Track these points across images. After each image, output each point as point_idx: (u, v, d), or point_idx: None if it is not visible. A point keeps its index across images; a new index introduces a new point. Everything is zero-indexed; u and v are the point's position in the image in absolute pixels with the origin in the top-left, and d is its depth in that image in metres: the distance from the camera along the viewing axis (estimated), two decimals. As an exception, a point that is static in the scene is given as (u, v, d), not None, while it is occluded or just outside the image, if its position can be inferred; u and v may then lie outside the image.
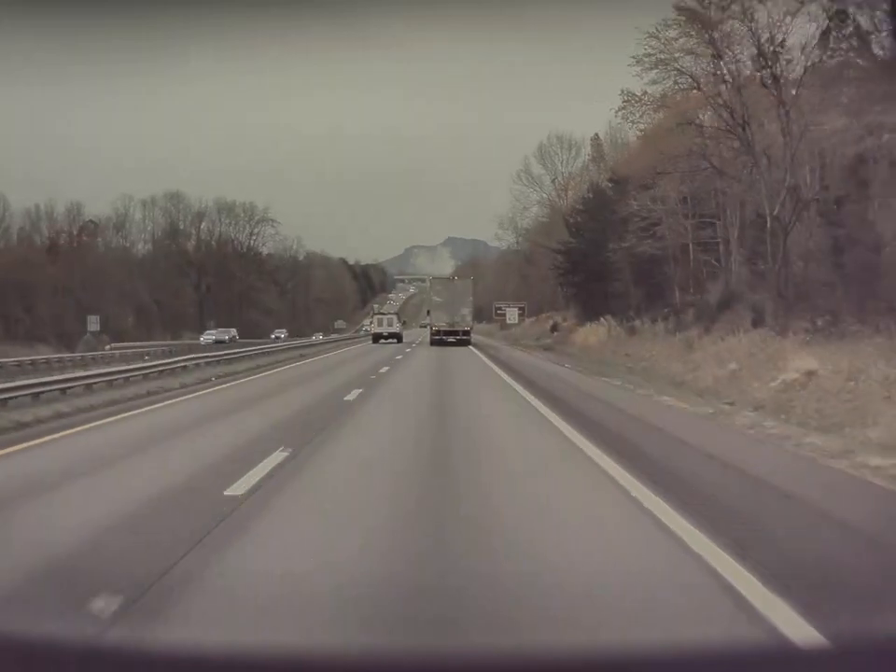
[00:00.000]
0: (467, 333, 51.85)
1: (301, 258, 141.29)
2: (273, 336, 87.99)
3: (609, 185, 46.19)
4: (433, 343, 51.57)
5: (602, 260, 44.85)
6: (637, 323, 36.97)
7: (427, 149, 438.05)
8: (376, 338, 63.14)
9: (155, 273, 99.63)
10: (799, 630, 4.11)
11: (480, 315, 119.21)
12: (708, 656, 2.46)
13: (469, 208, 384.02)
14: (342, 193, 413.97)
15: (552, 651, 3.40)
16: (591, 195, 49.10)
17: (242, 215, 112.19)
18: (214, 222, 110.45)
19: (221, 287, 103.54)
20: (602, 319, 40.32)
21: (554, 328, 52.24)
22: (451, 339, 50.95)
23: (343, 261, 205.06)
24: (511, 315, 62.55)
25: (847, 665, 2.35)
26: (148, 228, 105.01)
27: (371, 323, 73.17)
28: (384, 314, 76.31)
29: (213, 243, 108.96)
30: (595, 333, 40.07)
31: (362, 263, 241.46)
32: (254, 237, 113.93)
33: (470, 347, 45.87)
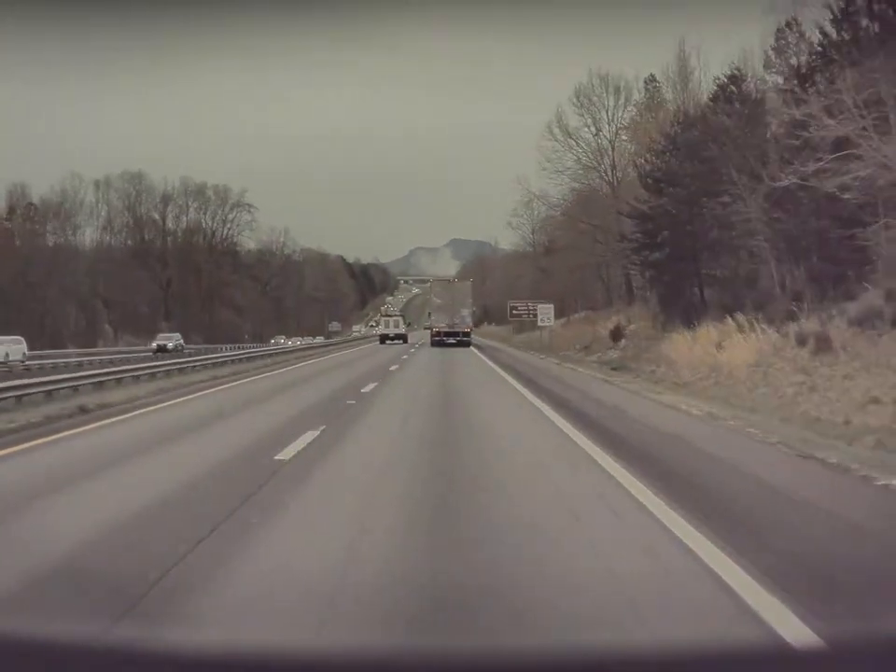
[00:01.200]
0: (467, 335, 52.41)
1: (293, 253, 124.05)
2: (154, 345, 57.74)
3: (713, 106, 28.38)
4: (434, 343, 51.68)
5: (704, 227, 27.13)
6: (813, 327, 19.11)
7: (431, 152, 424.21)
8: (383, 339, 64.69)
9: (108, 266, 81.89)
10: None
11: (489, 315, 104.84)
12: (705, 657, 2.25)
13: (474, 210, 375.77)
14: (345, 195, 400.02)
15: (548, 651, 3.06)
16: (678, 128, 30.98)
17: (213, 198, 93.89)
18: (181, 207, 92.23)
19: (186, 282, 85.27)
20: (729, 320, 22.29)
21: (618, 333, 33.80)
22: (451, 340, 51.11)
23: (342, 259, 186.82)
24: (545, 314, 44.56)
25: (844, 666, 2.16)
26: (102, 213, 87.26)
27: (378, 325, 77.11)
28: (390, 316, 78.01)
29: (178, 230, 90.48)
30: (710, 342, 22.22)
31: (363, 262, 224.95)
32: (228, 225, 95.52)
33: (496, 369, 27.60)
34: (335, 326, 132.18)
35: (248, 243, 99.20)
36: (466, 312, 53.07)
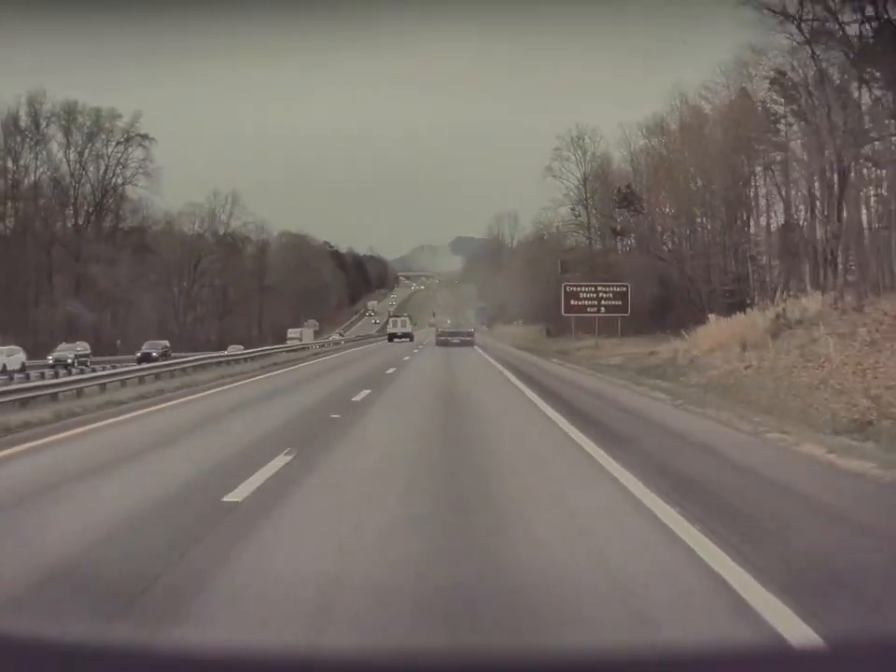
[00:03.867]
0: (470, 335, 53.57)
1: (243, 228, 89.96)
2: None
3: None
4: (438, 343, 52.44)
5: None
6: None
7: (432, 151, 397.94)
8: (391, 337, 68.76)
9: None
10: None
11: (506, 312, 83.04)
12: (705, 657, 2.20)
13: (476, 209, 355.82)
14: (345, 195, 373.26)
15: (548, 652, 3.07)
16: None
17: (89, 127, 57.77)
18: (35, 139, 56.18)
19: (10, 257, 49.26)
20: None
21: None
22: (455, 340, 51.83)
23: (328, 245, 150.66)
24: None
25: (844, 665, 2.10)
26: None
27: (388, 323, 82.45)
28: (397, 316, 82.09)
29: (23, 174, 54.30)
30: None
31: (357, 252, 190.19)
32: (116, 169, 59.03)
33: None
34: (312, 323, 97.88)
35: (154, 198, 63.55)
36: (470, 313, 60.74)
